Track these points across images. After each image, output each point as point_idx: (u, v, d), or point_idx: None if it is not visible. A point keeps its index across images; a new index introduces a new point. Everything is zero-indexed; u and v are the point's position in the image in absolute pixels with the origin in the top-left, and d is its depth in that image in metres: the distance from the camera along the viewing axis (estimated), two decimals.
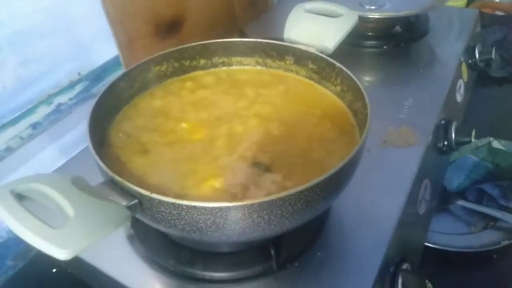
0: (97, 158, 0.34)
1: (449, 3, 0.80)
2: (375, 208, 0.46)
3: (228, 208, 0.30)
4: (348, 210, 0.46)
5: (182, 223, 0.31)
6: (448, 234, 0.64)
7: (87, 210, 0.28)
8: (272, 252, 0.39)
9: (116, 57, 0.59)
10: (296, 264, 0.40)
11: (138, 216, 0.33)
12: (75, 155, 0.55)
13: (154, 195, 0.30)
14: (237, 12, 0.77)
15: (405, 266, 0.43)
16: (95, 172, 0.35)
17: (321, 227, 0.43)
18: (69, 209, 0.28)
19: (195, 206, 0.30)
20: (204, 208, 0.30)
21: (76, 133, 0.57)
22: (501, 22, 1.00)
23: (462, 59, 0.73)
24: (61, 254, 0.26)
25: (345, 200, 0.45)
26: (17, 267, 0.51)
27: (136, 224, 0.43)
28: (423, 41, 0.76)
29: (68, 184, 0.30)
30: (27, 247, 0.52)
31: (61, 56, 0.55)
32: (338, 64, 0.45)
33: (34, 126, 0.52)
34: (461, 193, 0.71)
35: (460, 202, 0.69)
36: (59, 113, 0.54)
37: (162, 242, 0.42)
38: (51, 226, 0.26)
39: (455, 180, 0.70)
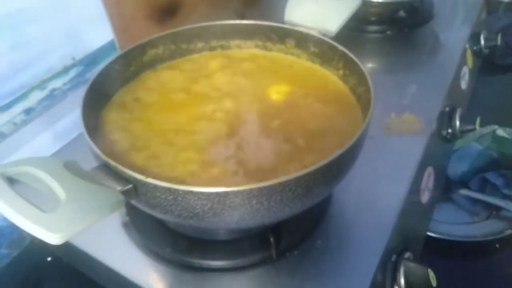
0: (90, 142, 0.33)
1: None
2: (378, 196, 0.44)
3: (226, 193, 0.29)
4: (350, 198, 0.44)
5: (178, 209, 0.30)
6: (451, 224, 0.63)
7: (79, 194, 0.28)
8: (272, 240, 0.38)
9: (112, 42, 0.57)
10: (296, 252, 0.39)
11: (133, 202, 0.32)
12: (70, 141, 0.53)
13: (149, 180, 0.29)
14: None
15: (407, 255, 0.43)
16: (90, 158, 0.33)
17: (322, 215, 0.42)
18: (61, 193, 0.27)
19: (191, 191, 0.29)
20: (201, 193, 0.29)
21: (70, 118, 0.56)
22: (507, 9, 0.98)
23: (467, 45, 0.71)
24: (53, 238, 0.25)
25: (347, 187, 0.44)
26: (12, 255, 0.51)
27: (131, 211, 0.42)
28: (427, 27, 0.74)
29: (60, 168, 0.29)
30: (22, 235, 0.51)
31: (55, 40, 0.53)
32: (340, 47, 0.44)
33: (28, 111, 0.51)
34: (465, 182, 0.70)
35: (463, 191, 0.68)
36: (52, 98, 0.53)
37: (159, 229, 0.41)
38: (43, 210, 0.26)
39: (458, 168, 0.69)
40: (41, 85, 0.52)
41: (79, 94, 0.38)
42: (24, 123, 0.51)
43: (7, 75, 0.49)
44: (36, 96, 0.52)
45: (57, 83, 0.54)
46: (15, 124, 0.50)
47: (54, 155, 0.52)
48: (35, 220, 0.25)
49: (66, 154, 0.52)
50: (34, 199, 0.26)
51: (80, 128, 0.34)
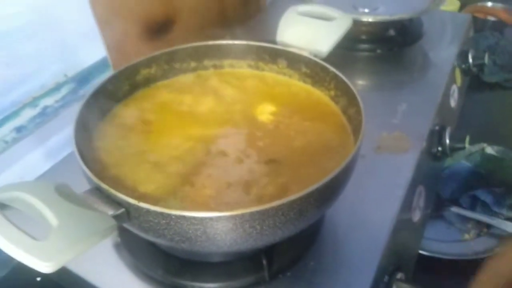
0: (82, 164, 0.33)
1: (442, 8, 0.80)
2: (369, 215, 0.45)
3: (219, 218, 0.29)
4: (342, 218, 0.45)
5: (171, 233, 0.30)
6: (442, 241, 0.63)
7: (71, 219, 0.27)
8: (264, 262, 0.38)
9: (104, 59, 0.57)
10: (288, 274, 0.39)
11: (125, 225, 0.32)
12: (62, 159, 0.53)
13: (142, 204, 0.29)
14: (229, 14, 0.76)
15: (399, 275, 0.43)
16: (82, 178, 0.33)
17: (315, 236, 0.42)
18: (52, 219, 0.27)
19: (184, 216, 0.29)
20: (194, 218, 0.29)
21: (62, 136, 0.56)
22: (493, 28, 1.01)
23: (456, 63, 0.72)
24: (45, 267, 0.25)
25: (338, 207, 0.44)
26: None
27: (123, 232, 0.42)
28: (417, 46, 0.75)
29: (52, 192, 0.29)
30: (10, 256, 0.50)
31: (47, 57, 0.53)
32: (332, 68, 0.44)
33: (19, 129, 0.51)
34: (455, 200, 0.70)
35: (454, 209, 0.68)
36: (44, 116, 0.53)
37: (150, 251, 0.41)
38: (34, 237, 0.26)
39: (449, 186, 0.70)
40: (33, 102, 0.52)
41: (71, 112, 0.38)
42: (15, 141, 0.50)
43: (0, 93, 0.49)
44: (28, 113, 0.51)
45: (49, 101, 0.53)
46: (6, 142, 0.49)
47: (45, 173, 0.51)
48: (27, 248, 0.24)
49: (57, 172, 0.51)
50: (25, 226, 0.26)
51: (72, 146, 0.34)
